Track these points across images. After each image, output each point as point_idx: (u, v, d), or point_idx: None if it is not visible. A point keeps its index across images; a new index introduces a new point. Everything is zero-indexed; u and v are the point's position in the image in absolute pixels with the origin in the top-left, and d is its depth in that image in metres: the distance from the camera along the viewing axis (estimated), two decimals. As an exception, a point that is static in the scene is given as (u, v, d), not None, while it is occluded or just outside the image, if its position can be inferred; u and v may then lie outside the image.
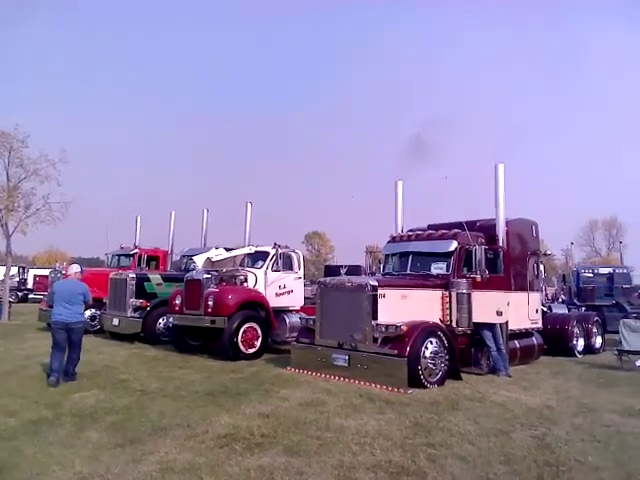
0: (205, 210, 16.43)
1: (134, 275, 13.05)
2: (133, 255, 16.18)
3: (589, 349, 11.94)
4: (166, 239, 17.12)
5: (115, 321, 12.72)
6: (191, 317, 10.51)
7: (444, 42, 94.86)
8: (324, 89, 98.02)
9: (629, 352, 9.81)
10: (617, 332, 10.61)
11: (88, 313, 13.43)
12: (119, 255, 16.94)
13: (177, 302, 10.94)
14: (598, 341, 12.45)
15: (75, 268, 8.36)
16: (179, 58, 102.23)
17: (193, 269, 11.92)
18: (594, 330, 12.38)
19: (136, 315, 12.43)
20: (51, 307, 8.32)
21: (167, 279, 13.59)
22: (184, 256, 14.88)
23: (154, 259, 16.55)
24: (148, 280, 13.29)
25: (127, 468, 4.22)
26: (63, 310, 7.59)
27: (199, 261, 11.21)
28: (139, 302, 12.51)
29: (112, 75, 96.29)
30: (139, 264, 15.85)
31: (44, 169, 18.80)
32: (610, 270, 21.35)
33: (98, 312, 13.96)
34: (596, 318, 12.87)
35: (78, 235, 66.63)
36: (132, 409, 6.10)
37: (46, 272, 22.64)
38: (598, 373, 9.25)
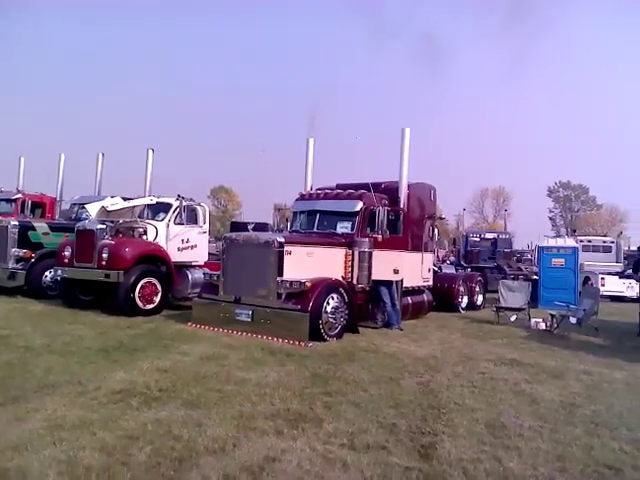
0: (100, 155, 15.13)
1: (17, 222, 11.84)
2: (15, 200, 14.56)
3: (472, 306, 13.17)
4: (54, 185, 15.63)
5: (-7, 273, 11.53)
6: (83, 270, 9.81)
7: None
8: (234, 37, 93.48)
9: (505, 309, 10.95)
10: (497, 291, 11.79)
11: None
12: (-3, 200, 15.21)
13: (67, 254, 10.12)
14: (480, 299, 13.75)
15: None
16: None
17: (85, 218, 11.07)
18: (477, 289, 13.65)
19: (19, 266, 11.37)
20: None
21: (55, 228, 12.48)
22: (75, 204, 13.68)
23: (40, 206, 15.05)
24: (33, 229, 12.12)
25: (9, 427, 3.92)
26: None
27: (92, 210, 10.38)
28: (22, 252, 11.43)
29: None
30: (22, 211, 14.33)
31: None
32: (495, 235, 23.43)
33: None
34: (479, 278, 14.16)
35: (-54, 176, 58.51)
36: (14, 366, 5.65)
37: None
38: (478, 327, 10.25)
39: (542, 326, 10.12)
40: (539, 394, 5.37)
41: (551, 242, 16.22)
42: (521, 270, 20.60)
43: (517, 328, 10.16)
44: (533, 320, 10.37)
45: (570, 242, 16.20)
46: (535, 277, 16.13)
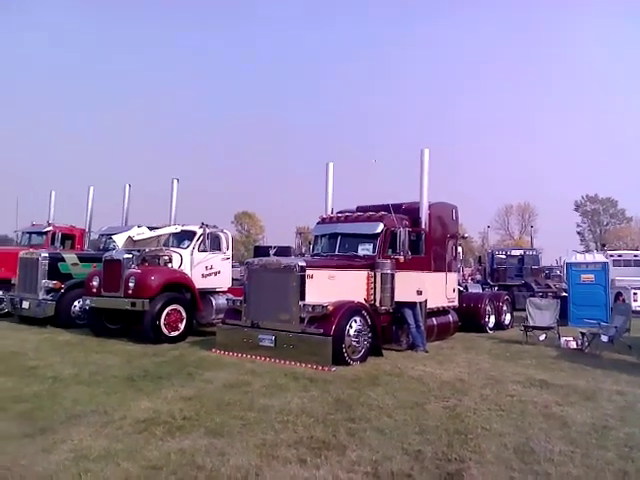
0: (127, 186, 15.57)
1: (47, 254, 12.21)
2: (46, 233, 15.06)
3: (499, 325, 12.87)
4: (83, 217, 16.11)
5: (25, 304, 11.88)
6: (110, 299, 10.02)
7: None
8: (263, 65, 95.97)
9: (534, 328, 10.67)
10: (524, 310, 11.52)
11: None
12: (30, 233, 15.73)
13: (94, 283, 10.37)
14: (507, 318, 13.45)
15: None
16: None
17: (113, 249, 11.35)
18: (504, 308, 13.35)
19: (49, 297, 11.68)
20: None
21: (84, 259, 12.83)
22: (103, 235, 14.06)
23: (69, 238, 15.52)
24: (63, 260, 12.49)
25: (37, 458, 3.98)
26: None
27: (119, 240, 10.68)
28: (52, 283, 11.74)
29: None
30: (52, 243, 14.80)
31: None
32: (521, 252, 22.98)
33: (5, 295, 13.00)
34: (506, 297, 13.88)
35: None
36: (43, 397, 5.75)
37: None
38: (506, 347, 10.00)
39: (572, 345, 9.81)
40: (570, 417, 5.20)
41: (579, 257, 15.81)
42: (550, 287, 20.13)
43: (546, 348, 9.87)
44: (563, 339, 10.07)
45: (599, 257, 15.77)
46: (564, 294, 15.71)
